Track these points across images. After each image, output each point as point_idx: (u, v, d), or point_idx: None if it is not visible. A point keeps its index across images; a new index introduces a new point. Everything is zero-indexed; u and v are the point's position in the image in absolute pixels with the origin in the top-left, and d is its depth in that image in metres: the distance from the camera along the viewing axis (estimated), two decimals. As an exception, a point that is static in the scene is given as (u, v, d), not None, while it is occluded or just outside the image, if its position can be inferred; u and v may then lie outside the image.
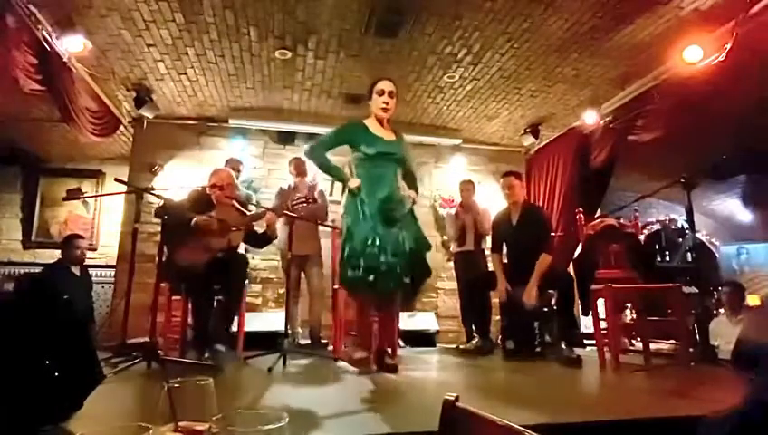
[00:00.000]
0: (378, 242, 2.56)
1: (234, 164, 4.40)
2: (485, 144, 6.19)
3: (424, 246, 2.84)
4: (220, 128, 5.53)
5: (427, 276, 2.83)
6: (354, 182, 2.74)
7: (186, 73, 4.55)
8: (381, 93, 2.83)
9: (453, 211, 4.80)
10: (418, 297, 4.04)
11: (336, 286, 3.64)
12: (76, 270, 4.55)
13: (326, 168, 2.87)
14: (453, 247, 4.72)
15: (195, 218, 3.02)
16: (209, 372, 2.52)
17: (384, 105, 2.82)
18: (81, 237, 4.73)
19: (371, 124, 2.86)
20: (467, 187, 4.70)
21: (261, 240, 3.59)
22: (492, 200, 5.04)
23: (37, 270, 5.51)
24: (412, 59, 4.28)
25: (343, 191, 2.89)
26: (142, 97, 4.80)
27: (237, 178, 4.01)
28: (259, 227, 3.56)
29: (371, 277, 2.53)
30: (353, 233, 2.66)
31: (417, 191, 3.00)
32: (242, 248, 3.71)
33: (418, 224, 2.89)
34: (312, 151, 2.87)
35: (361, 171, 2.80)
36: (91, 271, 4.90)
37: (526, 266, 3.43)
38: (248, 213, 3.50)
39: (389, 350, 2.92)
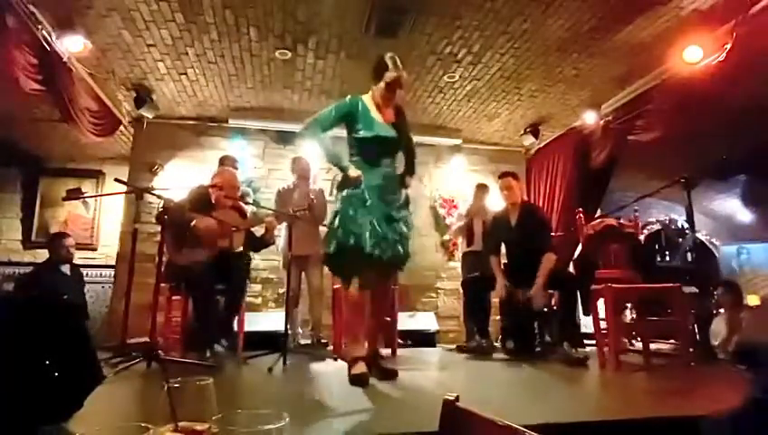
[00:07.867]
0: (378, 227, 2.43)
1: (230, 162, 4.34)
2: (485, 144, 6.19)
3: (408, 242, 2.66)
4: (220, 128, 5.53)
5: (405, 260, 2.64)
6: (354, 172, 2.50)
7: (186, 73, 4.55)
8: (390, 87, 2.59)
9: (463, 211, 4.83)
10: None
11: (336, 286, 3.63)
12: (66, 269, 4.48)
13: (325, 148, 2.56)
14: (462, 247, 4.76)
15: (194, 222, 3.02)
16: (209, 372, 2.52)
17: (389, 97, 2.62)
18: (68, 235, 4.64)
19: (370, 104, 2.62)
20: (482, 190, 4.72)
21: (259, 244, 3.59)
22: (491, 200, 5.04)
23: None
24: (412, 59, 4.28)
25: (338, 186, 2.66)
26: (142, 97, 4.80)
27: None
28: (260, 228, 3.55)
29: (373, 247, 2.37)
30: (352, 209, 2.47)
31: (412, 172, 2.79)
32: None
33: (411, 225, 2.71)
34: (309, 129, 2.57)
35: (356, 157, 2.59)
36: (91, 271, 4.88)
37: (526, 267, 3.43)
38: (249, 215, 3.50)
39: (384, 350, 2.82)
